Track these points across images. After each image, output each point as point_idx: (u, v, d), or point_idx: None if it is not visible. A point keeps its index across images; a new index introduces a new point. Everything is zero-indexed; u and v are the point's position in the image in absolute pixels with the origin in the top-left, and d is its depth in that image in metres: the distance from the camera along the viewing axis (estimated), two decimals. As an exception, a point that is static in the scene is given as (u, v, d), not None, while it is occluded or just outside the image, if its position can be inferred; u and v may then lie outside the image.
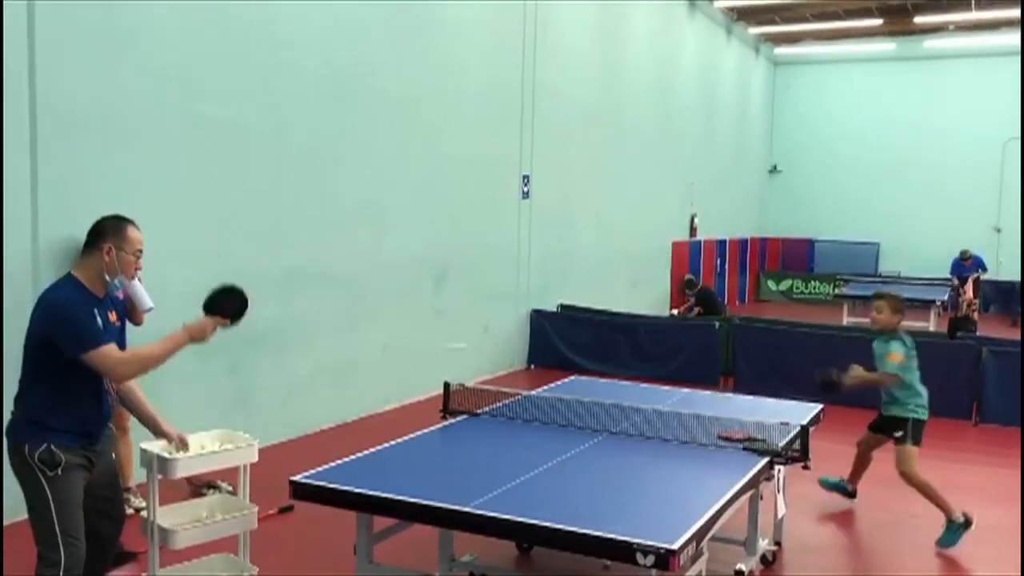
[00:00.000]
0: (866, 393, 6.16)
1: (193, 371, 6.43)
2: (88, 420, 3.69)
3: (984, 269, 15.70)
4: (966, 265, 15.59)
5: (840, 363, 6.55)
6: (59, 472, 3.55)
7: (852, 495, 6.45)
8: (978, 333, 12.50)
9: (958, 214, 20.67)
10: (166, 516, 4.29)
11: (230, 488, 5.69)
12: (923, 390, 5.89)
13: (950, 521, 5.62)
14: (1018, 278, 19.53)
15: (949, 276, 16.02)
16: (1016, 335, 13.28)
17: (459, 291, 10.08)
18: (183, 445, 4.13)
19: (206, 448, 4.35)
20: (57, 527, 3.54)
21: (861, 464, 6.41)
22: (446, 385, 5.22)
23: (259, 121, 7.34)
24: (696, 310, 13.57)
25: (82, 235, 3.81)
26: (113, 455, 4.24)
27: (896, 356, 5.75)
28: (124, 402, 4.05)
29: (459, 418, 5.06)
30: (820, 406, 5.66)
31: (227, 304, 3.91)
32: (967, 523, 5.61)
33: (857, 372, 5.91)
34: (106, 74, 6.07)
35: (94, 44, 5.96)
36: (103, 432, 3.85)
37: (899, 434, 5.77)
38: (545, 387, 5.97)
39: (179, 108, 6.64)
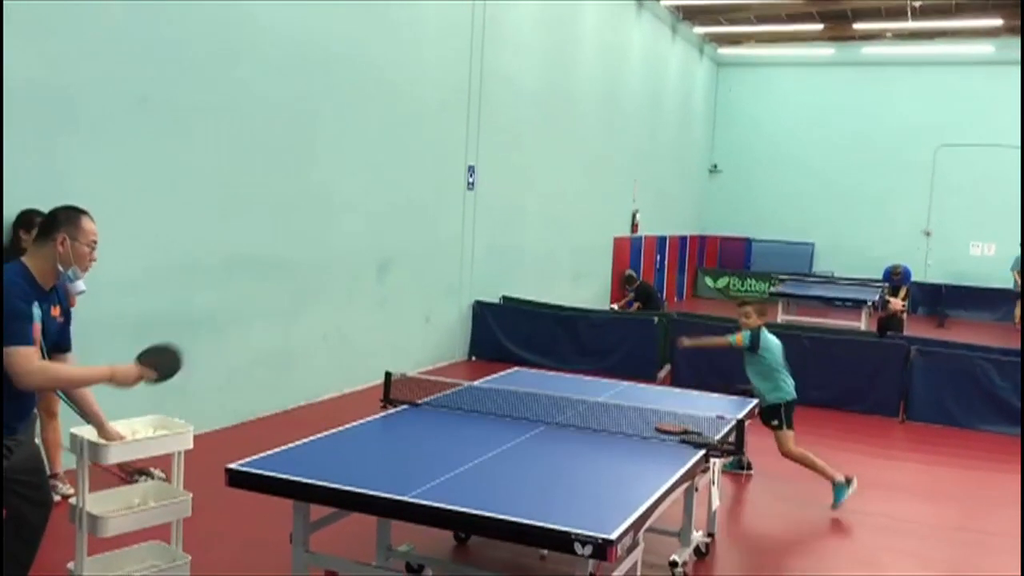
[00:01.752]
0: (810, 390, 6.66)
1: (127, 355, 6.26)
2: (9, 411, 3.58)
3: (907, 282, 16.09)
4: (895, 280, 16.02)
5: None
6: None
7: (849, 482, 6.49)
8: (906, 333, 12.87)
9: (890, 217, 21.27)
10: (96, 503, 4.19)
11: (162, 475, 5.58)
12: (789, 379, 6.50)
13: (835, 484, 6.31)
14: (944, 280, 20.18)
15: (882, 281, 16.43)
16: (942, 335, 13.72)
17: (402, 281, 10.03)
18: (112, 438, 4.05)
19: (139, 434, 4.26)
20: None
21: (811, 464, 6.52)
22: (387, 374, 5.19)
23: (202, 104, 7.20)
24: (635, 305, 13.72)
25: (12, 212, 3.70)
26: (37, 440, 4.14)
27: (738, 335, 6.61)
28: (68, 396, 3.96)
29: (400, 408, 5.04)
30: (755, 400, 5.78)
31: (161, 360, 3.83)
32: (848, 481, 6.33)
33: (689, 340, 7.15)
34: (45, 53, 5.89)
35: (32, 22, 5.77)
36: (25, 422, 3.75)
37: (775, 422, 6.39)
38: (486, 378, 5.98)
39: (119, 90, 6.48)
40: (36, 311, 3.54)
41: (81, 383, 3.65)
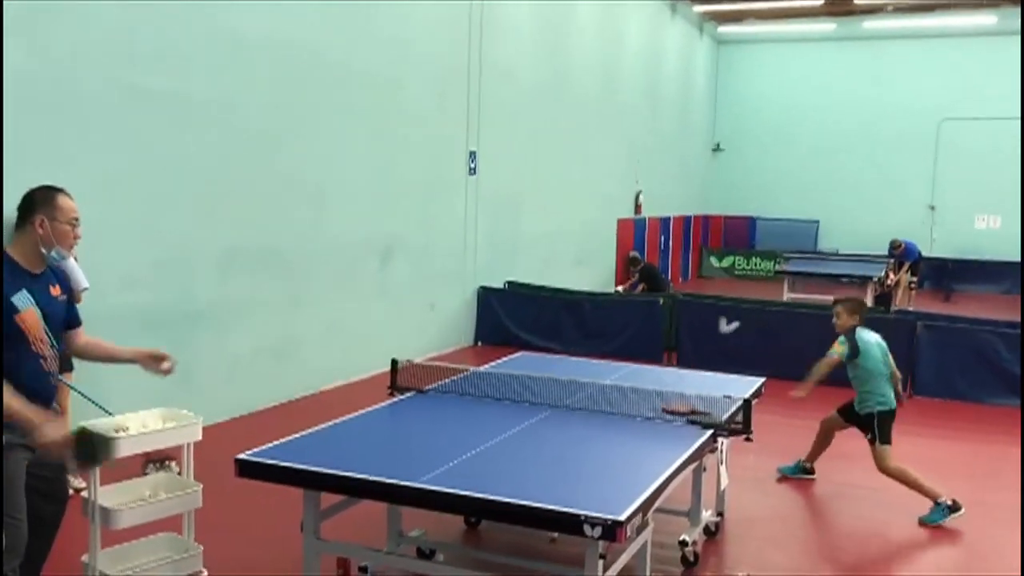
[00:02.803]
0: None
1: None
2: (29, 398, 3.59)
3: (911, 257, 16.03)
4: (896, 254, 15.99)
5: (781, 337, 6.68)
6: (1, 451, 3.45)
7: (812, 472, 6.58)
8: (912, 308, 12.86)
9: (894, 192, 21.20)
10: (108, 496, 4.21)
11: (176, 468, 5.60)
12: (887, 386, 6.00)
13: (937, 503, 5.80)
14: (950, 254, 20.12)
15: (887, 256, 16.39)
16: (948, 309, 13.70)
17: (405, 269, 10.04)
18: (164, 362, 4.03)
19: (149, 426, 4.27)
20: None
21: (822, 444, 6.53)
22: (393, 362, 5.20)
23: (200, 95, 7.19)
24: (640, 287, 13.72)
25: (12, 210, 3.69)
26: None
27: (836, 344, 6.01)
28: (95, 357, 3.95)
29: (407, 395, 5.05)
30: (762, 379, 5.77)
31: (88, 449, 3.75)
32: (954, 507, 5.78)
33: (803, 389, 6.01)
34: (38, 44, 5.88)
35: (25, 10, 5.75)
36: (47, 411, 3.75)
37: (869, 436, 5.97)
38: (492, 363, 5.99)
39: (116, 80, 6.47)
40: (26, 299, 3.52)
41: (7, 409, 3.42)
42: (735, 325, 9.83)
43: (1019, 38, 18.75)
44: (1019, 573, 4.43)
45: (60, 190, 3.67)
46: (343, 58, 8.76)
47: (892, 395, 6.00)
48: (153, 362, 4.01)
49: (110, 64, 6.42)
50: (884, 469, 5.92)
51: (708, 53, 22.34)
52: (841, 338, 6.05)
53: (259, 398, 7.97)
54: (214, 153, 7.38)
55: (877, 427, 5.91)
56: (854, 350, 5.94)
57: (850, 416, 6.24)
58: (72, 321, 3.85)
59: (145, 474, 4.58)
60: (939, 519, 5.76)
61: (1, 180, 4.61)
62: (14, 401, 3.47)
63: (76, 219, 3.68)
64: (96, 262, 5.84)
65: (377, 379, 7.03)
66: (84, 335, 3.93)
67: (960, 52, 20.49)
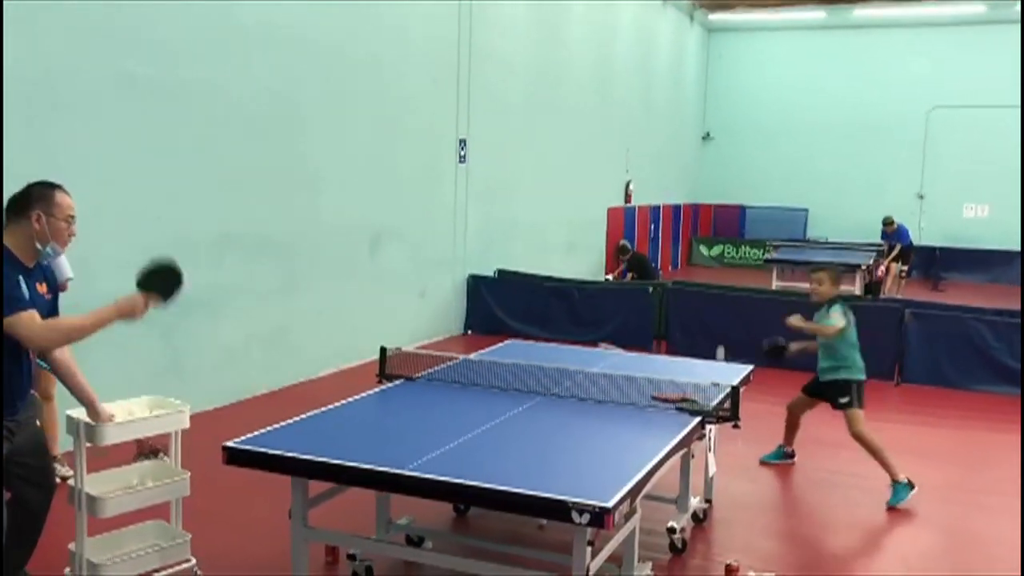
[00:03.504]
0: (803, 358, 6.36)
1: (123, 336, 6.23)
2: (8, 389, 3.58)
3: (903, 240, 16.13)
4: (889, 232, 16.04)
5: (769, 325, 6.70)
6: None
7: (792, 456, 6.63)
8: (900, 296, 12.92)
9: (883, 181, 21.24)
10: (94, 484, 4.20)
11: (166, 457, 5.59)
12: (860, 356, 6.11)
13: (895, 482, 5.84)
14: (938, 243, 20.23)
15: (880, 242, 16.47)
16: (937, 298, 13.75)
17: (396, 256, 10.02)
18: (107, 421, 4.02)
19: (135, 415, 4.27)
20: None
21: (792, 427, 6.58)
22: (382, 350, 5.19)
23: (193, 81, 7.15)
24: (629, 275, 13.74)
25: (2, 201, 3.66)
26: (38, 423, 4.13)
27: (835, 314, 5.99)
28: (60, 378, 3.94)
29: (396, 382, 5.05)
30: (750, 367, 5.78)
31: (161, 282, 3.78)
32: (910, 485, 5.84)
33: (796, 318, 6.15)
34: (30, 31, 5.82)
35: (14, 4, 5.69)
36: (24, 401, 3.74)
37: (845, 399, 5.99)
38: (482, 351, 5.99)
39: (108, 66, 6.42)
40: (23, 287, 3.52)
41: (92, 328, 3.59)
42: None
43: (1009, 26, 18.79)
44: (1019, 573, 4.45)
45: (58, 186, 3.69)
46: (337, 45, 8.72)
47: (861, 363, 6.07)
48: (93, 411, 3.98)
49: (102, 50, 6.38)
50: (858, 433, 5.95)
51: (699, 41, 22.30)
52: (838, 306, 6.01)
53: (250, 385, 7.95)
54: (207, 139, 7.34)
55: (856, 392, 5.97)
56: (848, 320, 5.94)
57: (816, 390, 6.25)
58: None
59: (150, 457, 4.57)
60: (904, 497, 5.79)
61: (1, 176, 4.58)
62: (82, 318, 3.61)
63: (72, 216, 3.69)
64: (88, 248, 5.78)
65: (368, 367, 7.02)
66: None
67: (949, 40, 20.52)
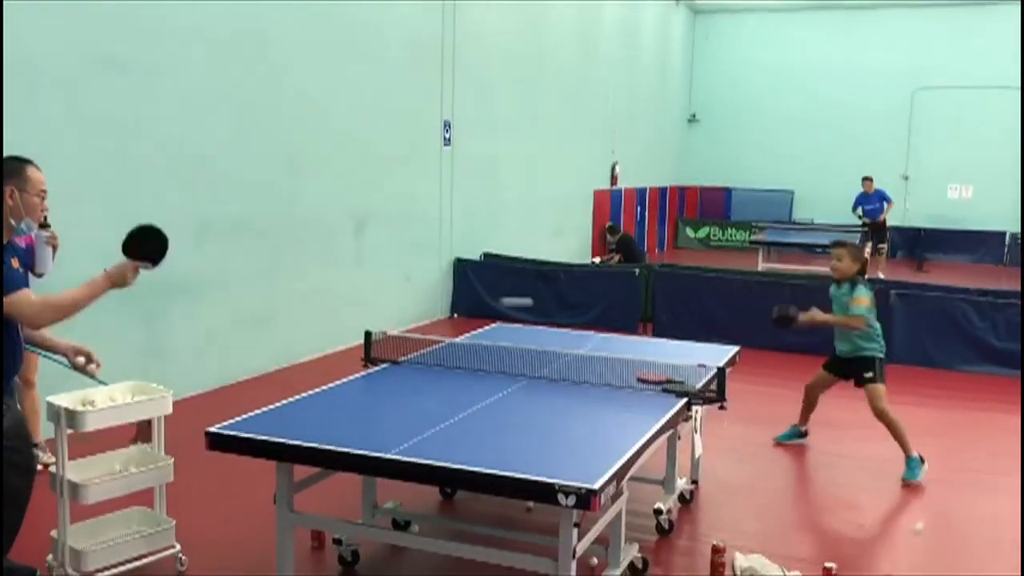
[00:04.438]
0: (789, 336, 6.35)
1: (105, 321, 6.19)
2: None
3: (888, 200, 16.26)
4: (870, 195, 16.10)
5: (756, 307, 6.70)
6: None
7: (805, 435, 6.61)
8: (884, 277, 12.96)
9: (868, 162, 21.18)
10: (77, 470, 4.17)
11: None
12: (879, 330, 6.14)
13: (909, 457, 5.90)
14: (923, 224, 20.33)
15: (853, 210, 16.56)
16: (921, 278, 13.80)
17: (381, 240, 9.96)
18: (83, 356, 3.91)
19: (117, 400, 4.22)
20: None
21: (809, 406, 6.55)
22: (367, 334, 5.16)
23: (170, 65, 7.05)
24: (616, 257, 13.74)
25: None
26: (19, 407, 4.09)
27: (863, 300, 5.96)
28: (27, 339, 3.88)
29: (381, 366, 5.01)
30: (736, 348, 5.78)
31: (147, 245, 3.75)
32: (921, 460, 5.92)
33: (816, 314, 6.10)
34: (6, 13, 5.71)
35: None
36: (11, 384, 3.70)
37: (869, 375, 5.98)
38: (468, 334, 5.97)
39: (85, 50, 6.33)
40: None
41: (85, 300, 3.55)
42: (524, 302, 9.23)
43: (993, 7, 18.82)
44: (1019, 573, 4.48)
45: (29, 161, 3.63)
46: (316, 25, 8.62)
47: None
48: (80, 358, 3.91)
49: (80, 32, 6.28)
50: (881, 409, 5.94)
51: (684, 23, 22.23)
52: (863, 289, 5.95)
53: (234, 370, 7.90)
54: (187, 122, 7.25)
55: (879, 368, 5.97)
56: (873, 299, 5.93)
57: (838, 368, 6.24)
58: None
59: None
60: (918, 474, 5.85)
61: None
62: (74, 292, 3.57)
63: (44, 191, 3.65)
64: (67, 232, 5.72)
65: (353, 351, 7.00)
66: None
67: (934, 21, 20.54)
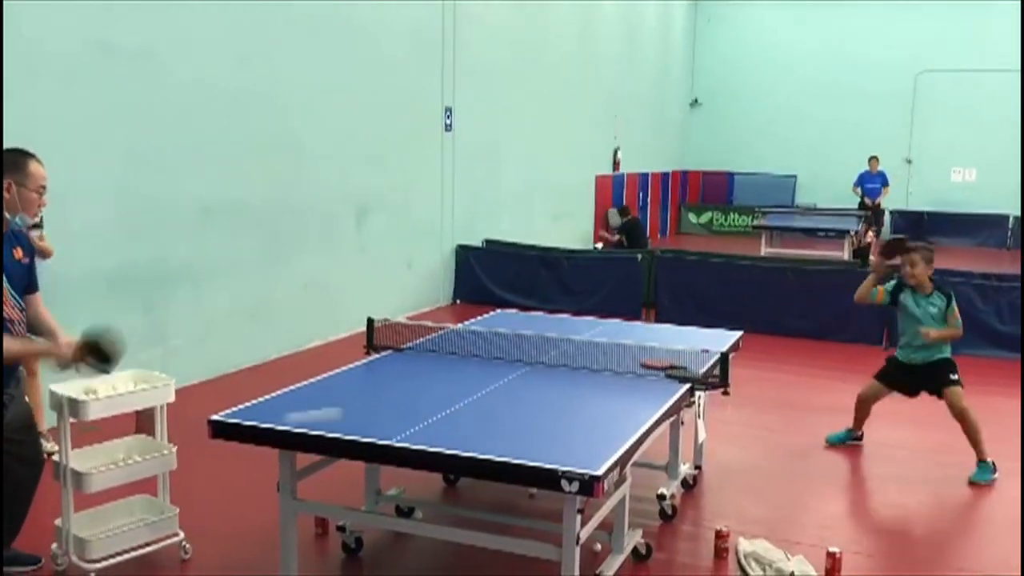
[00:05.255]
0: (791, 321, 6.29)
1: (105, 309, 6.20)
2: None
3: (886, 184, 16.28)
4: (873, 175, 16.08)
5: (759, 292, 6.59)
6: None
7: (860, 438, 6.37)
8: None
9: (872, 146, 21.06)
10: (80, 459, 4.17)
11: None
12: None
13: (982, 461, 5.77)
14: (926, 208, 20.28)
15: (854, 187, 16.58)
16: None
17: (382, 227, 9.94)
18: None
19: (119, 389, 4.22)
20: None
21: (863, 415, 6.28)
22: (370, 321, 5.15)
23: (169, 51, 7.01)
24: (618, 237, 13.76)
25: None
26: (27, 398, 4.09)
27: (957, 315, 5.87)
28: (36, 329, 3.87)
29: (383, 353, 5.01)
30: (739, 333, 5.76)
31: (100, 351, 3.65)
32: (994, 467, 5.76)
33: (930, 330, 5.86)
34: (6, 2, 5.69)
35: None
36: (12, 375, 3.70)
37: (955, 376, 5.84)
38: (470, 321, 5.95)
39: (84, 35, 6.30)
40: None
41: (19, 354, 3.51)
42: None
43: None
44: (1020, 573, 4.47)
45: (32, 155, 3.60)
46: (319, 12, 8.57)
47: None
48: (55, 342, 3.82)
49: (78, 17, 6.24)
50: (963, 409, 5.75)
51: (686, 6, 22.11)
52: (953, 302, 5.83)
53: (236, 359, 7.90)
54: (187, 109, 7.23)
55: (950, 369, 5.82)
56: (951, 301, 5.83)
57: (902, 378, 6.03)
58: (32, 285, 3.77)
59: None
60: (988, 477, 5.71)
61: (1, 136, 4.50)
62: (13, 344, 3.51)
63: (44, 187, 3.62)
64: (65, 221, 5.73)
65: (355, 338, 6.97)
66: (40, 301, 3.83)
67: (938, 3, 20.40)
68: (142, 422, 4.55)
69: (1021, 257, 14.36)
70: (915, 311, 5.95)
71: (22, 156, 3.57)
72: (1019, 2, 18.46)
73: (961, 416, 5.81)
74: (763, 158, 22.17)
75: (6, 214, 3.53)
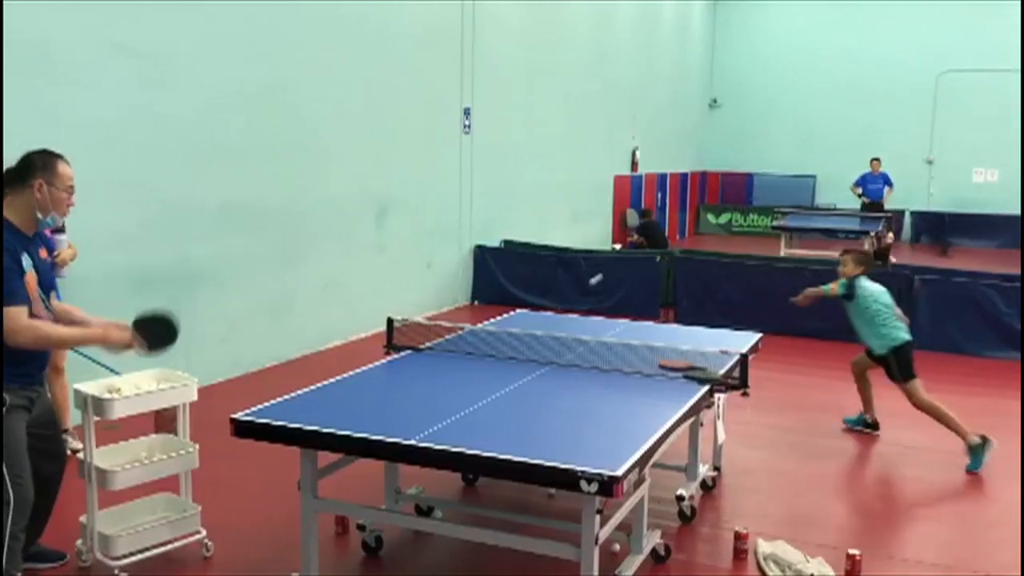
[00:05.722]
0: (810, 322, 6.41)
1: (128, 310, 6.23)
2: (28, 360, 3.58)
3: (890, 185, 16.17)
4: (875, 176, 15.96)
5: (778, 292, 6.65)
6: (3, 413, 3.45)
7: (875, 426, 6.55)
8: (906, 262, 12.84)
9: (892, 147, 20.99)
10: (104, 457, 4.22)
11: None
12: (893, 323, 6.26)
13: (971, 446, 5.87)
14: (947, 208, 20.11)
15: (853, 187, 16.58)
16: (946, 264, 13.66)
17: (401, 227, 9.98)
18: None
19: (143, 388, 4.26)
20: (4, 467, 3.46)
21: (863, 388, 6.57)
22: (389, 320, 5.18)
23: (191, 50, 7.07)
24: (635, 236, 13.77)
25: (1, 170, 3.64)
26: (49, 395, 4.15)
27: (835, 285, 6.42)
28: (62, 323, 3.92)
29: (403, 353, 5.03)
30: (759, 335, 5.75)
31: (155, 331, 3.75)
32: (985, 441, 5.88)
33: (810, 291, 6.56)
34: (19, 3, 5.76)
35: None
36: (43, 372, 3.77)
37: (908, 372, 6.13)
38: (489, 321, 5.97)
39: (105, 36, 6.36)
40: (27, 262, 3.52)
41: (72, 342, 3.61)
42: (598, 278, 10.10)
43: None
44: (1020, 572, 4.44)
45: (60, 156, 3.67)
46: (336, 11, 8.62)
47: (900, 330, 6.19)
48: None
49: (99, 19, 6.31)
50: (918, 404, 6.09)
51: (705, 6, 22.03)
52: (842, 281, 6.37)
53: (256, 358, 7.96)
54: (207, 109, 7.28)
55: (897, 363, 6.12)
56: (850, 292, 6.25)
57: (872, 357, 6.43)
58: (51, 284, 3.84)
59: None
60: (981, 461, 5.83)
61: (1, 155, 4.56)
62: (71, 333, 3.65)
63: (72, 187, 3.68)
64: (87, 221, 5.78)
65: (374, 338, 7.03)
66: (55, 301, 3.89)
67: (959, 4, 20.22)
68: (161, 421, 4.60)
69: (1022, 257, 14.24)
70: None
71: (50, 156, 3.64)
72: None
73: (922, 409, 6.06)
74: (783, 158, 22.06)
75: (38, 214, 3.59)
